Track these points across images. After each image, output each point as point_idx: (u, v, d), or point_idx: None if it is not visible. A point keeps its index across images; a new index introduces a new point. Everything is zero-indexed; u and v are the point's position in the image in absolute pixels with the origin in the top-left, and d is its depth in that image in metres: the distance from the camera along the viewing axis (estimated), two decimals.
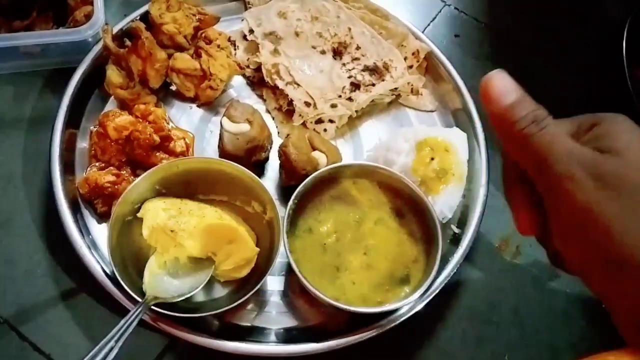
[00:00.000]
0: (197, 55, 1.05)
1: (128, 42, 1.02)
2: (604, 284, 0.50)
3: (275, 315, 0.90)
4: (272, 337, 0.87)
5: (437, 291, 0.88)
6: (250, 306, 0.90)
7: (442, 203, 0.93)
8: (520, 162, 0.55)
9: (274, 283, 0.92)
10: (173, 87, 1.07)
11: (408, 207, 0.90)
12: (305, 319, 0.90)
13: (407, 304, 0.85)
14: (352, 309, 0.82)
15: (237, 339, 0.85)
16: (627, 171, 0.47)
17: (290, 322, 0.89)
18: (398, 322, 0.85)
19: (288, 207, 0.86)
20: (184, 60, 1.03)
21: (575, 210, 0.48)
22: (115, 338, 0.71)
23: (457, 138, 0.98)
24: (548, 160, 0.50)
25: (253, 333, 0.87)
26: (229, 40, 1.11)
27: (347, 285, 0.84)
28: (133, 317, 0.75)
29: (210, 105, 1.07)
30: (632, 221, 0.46)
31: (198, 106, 1.07)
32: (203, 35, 1.07)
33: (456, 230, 0.96)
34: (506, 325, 0.93)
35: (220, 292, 0.89)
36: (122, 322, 0.74)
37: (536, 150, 0.51)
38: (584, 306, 0.95)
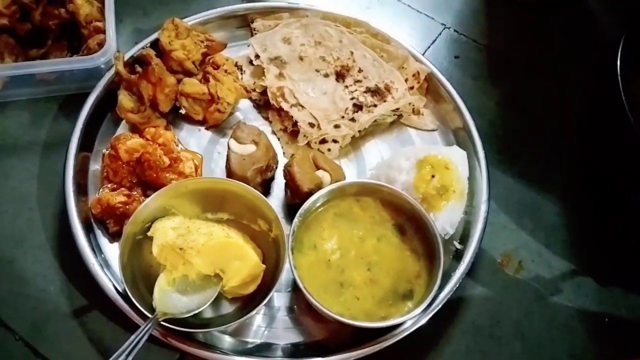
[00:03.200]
0: (205, 80, 1.09)
1: (139, 69, 1.06)
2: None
3: (282, 331, 0.91)
4: (279, 353, 0.89)
5: (440, 306, 0.90)
6: (257, 322, 0.92)
7: (444, 219, 0.95)
8: None
9: (280, 299, 0.94)
10: (182, 111, 1.11)
11: (410, 223, 0.93)
12: (311, 334, 0.91)
13: (411, 318, 0.86)
14: (357, 324, 0.83)
15: (245, 354, 0.87)
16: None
17: (296, 337, 0.91)
18: (402, 336, 0.87)
19: (293, 224, 0.88)
20: (192, 85, 1.07)
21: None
22: (126, 353, 0.74)
23: (456, 156, 1.00)
24: None
25: (260, 348, 0.89)
26: (235, 65, 1.15)
27: (351, 300, 0.86)
28: (143, 332, 0.77)
29: (218, 128, 1.11)
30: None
31: (206, 129, 1.11)
32: (211, 60, 1.11)
33: (458, 246, 0.98)
34: (509, 339, 0.94)
35: (227, 308, 0.91)
36: (133, 337, 0.76)
37: None
38: (586, 319, 0.96)
